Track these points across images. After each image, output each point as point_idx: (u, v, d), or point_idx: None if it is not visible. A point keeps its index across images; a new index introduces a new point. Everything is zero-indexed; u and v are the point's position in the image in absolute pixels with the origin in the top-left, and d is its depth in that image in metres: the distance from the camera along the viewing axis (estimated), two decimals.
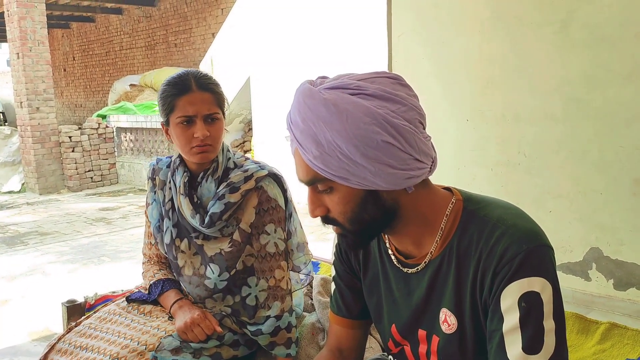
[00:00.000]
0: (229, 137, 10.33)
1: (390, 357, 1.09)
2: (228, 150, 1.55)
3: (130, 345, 1.36)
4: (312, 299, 1.73)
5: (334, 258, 1.15)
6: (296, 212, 1.56)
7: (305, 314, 1.67)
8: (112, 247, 5.15)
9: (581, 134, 2.78)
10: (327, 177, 0.88)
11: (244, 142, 10.27)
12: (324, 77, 0.94)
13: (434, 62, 3.34)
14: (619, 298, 2.76)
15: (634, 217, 2.66)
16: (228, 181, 1.48)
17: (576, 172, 2.82)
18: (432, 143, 0.91)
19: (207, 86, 1.46)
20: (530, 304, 0.83)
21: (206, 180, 1.49)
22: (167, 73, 11.15)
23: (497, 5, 3.02)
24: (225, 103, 1.51)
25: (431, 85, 3.36)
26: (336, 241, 1.13)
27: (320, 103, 0.86)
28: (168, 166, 1.59)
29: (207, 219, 1.45)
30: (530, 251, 0.84)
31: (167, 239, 1.53)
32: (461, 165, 3.29)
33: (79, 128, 9.24)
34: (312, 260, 1.60)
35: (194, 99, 1.43)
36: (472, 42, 3.16)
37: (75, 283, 4.08)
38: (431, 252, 0.94)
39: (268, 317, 1.46)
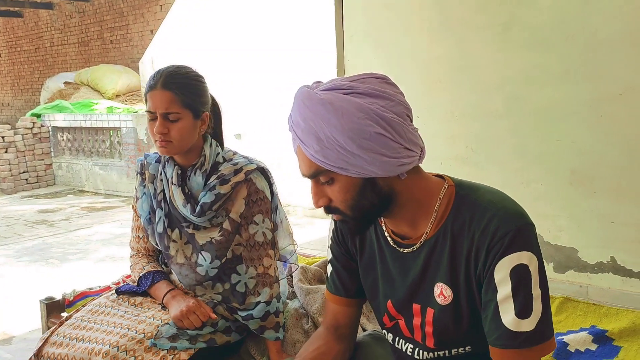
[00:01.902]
0: None
1: (384, 331, 1.20)
2: (217, 146, 1.62)
3: (128, 334, 1.42)
4: (292, 287, 1.83)
5: (330, 242, 1.25)
6: (281, 205, 1.65)
7: (287, 301, 1.76)
8: (59, 249, 5.03)
9: (522, 129, 3.00)
10: (328, 168, 0.98)
11: None
12: (319, 82, 1.05)
13: (385, 62, 3.49)
14: (559, 280, 2.99)
15: (571, 205, 2.90)
16: (219, 174, 1.55)
17: (518, 164, 3.03)
18: (419, 134, 1.03)
19: (169, 85, 1.50)
20: (520, 275, 0.96)
21: (194, 174, 1.57)
22: (104, 70, 10.87)
23: (444, 8, 3.19)
24: (199, 100, 1.55)
25: None
26: (332, 226, 1.24)
27: (318, 103, 0.97)
28: (157, 161, 1.65)
29: (198, 208, 1.52)
30: (519, 229, 0.98)
31: (159, 229, 1.59)
32: None
33: (12, 128, 8.87)
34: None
35: (154, 97, 1.50)
36: (420, 43, 3.32)
37: (26, 286, 3.99)
38: (426, 232, 1.06)
39: (258, 302, 1.55)
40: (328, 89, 1.00)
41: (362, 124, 0.96)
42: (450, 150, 3.29)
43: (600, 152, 2.79)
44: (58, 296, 1.93)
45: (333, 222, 1.24)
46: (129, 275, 2.17)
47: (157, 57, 9.16)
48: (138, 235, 1.70)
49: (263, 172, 1.60)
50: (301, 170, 1.04)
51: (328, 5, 5.30)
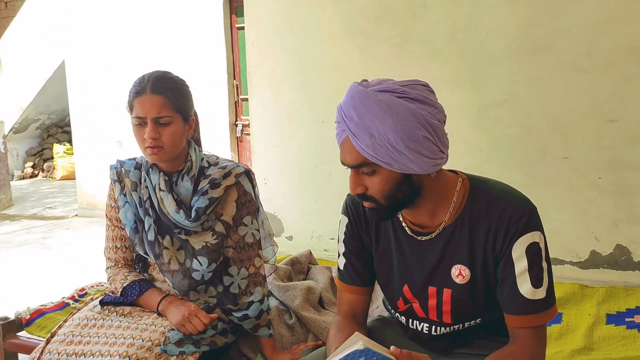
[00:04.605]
0: (22, 145, 9.37)
1: (397, 314, 1.33)
2: (200, 150, 1.63)
3: (135, 343, 1.40)
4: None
5: (344, 237, 1.35)
6: (262, 206, 1.70)
7: None
8: None
9: None
10: (375, 162, 1.10)
11: (42, 150, 9.42)
12: (365, 80, 1.16)
13: (289, 69, 3.63)
14: None
15: None
16: (209, 178, 1.57)
17: None
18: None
19: (160, 89, 1.50)
20: (533, 252, 1.15)
21: (182, 179, 1.57)
22: None
23: (346, 19, 3.41)
24: (188, 103, 1.56)
25: (287, 90, 3.64)
26: (346, 222, 1.34)
27: (375, 103, 1.08)
28: (135, 167, 1.62)
29: (193, 214, 1.53)
30: (530, 213, 1.16)
31: (150, 237, 1.56)
32: (318, 163, 3.63)
33: None
34: None
35: (144, 102, 1.49)
36: (323, 51, 3.51)
37: None
38: (445, 221, 1.21)
39: (251, 302, 1.59)
40: (383, 90, 1.09)
41: (413, 127, 1.07)
42: None
43: (487, 150, 3.18)
44: (10, 315, 1.80)
45: (345, 218, 1.34)
46: (83, 289, 2.08)
47: (6, 56, 8.38)
48: (116, 246, 1.65)
49: (247, 174, 1.65)
50: (345, 159, 1.14)
51: (217, 7, 5.28)
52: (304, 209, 3.69)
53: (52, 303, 1.94)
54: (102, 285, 2.09)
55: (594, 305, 1.92)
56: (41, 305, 1.91)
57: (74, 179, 6.99)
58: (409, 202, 1.19)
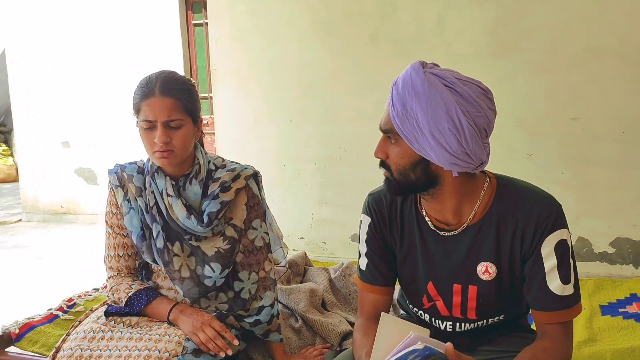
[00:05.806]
0: None
1: (420, 312, 1.33)
2: (206, 153, 1.57)
3: (152, 355, 1.33)
4: None
5: (366, 237, 1.34)
6: (268, 208, 1.66)
7: None
8: None
9: None
10: (399, 133, 1.13)
11: None
12: (434, 63, 1.17)
13: (254, 67, 3.58)
14: None
15: None
16: (219, 181, 1.52)
17: None
18: (489, 150, 1.17)
19: (170, 92, 1.44)
20: (562, 249, 1.17)
21: (190, 183, 1.51)
22: None
23: (314, 18, 3.40)
24: (197, 105, 1.51)
25: (252, 88, 3.59)
26: (369, 222, 1.33)
27: (419, 82, 1.10)
28: (138, 172, 1.54)
29: (205, 219, 1.47)
30: (558, 210, 1.19)
31: (159, 244, 1.49)
32: (286, 162, 3.60)
33: None
34: None
35: (154, 104, 1.42)
36: (291, 49, 3.48)
37: None
38: (470, 219, 1.22)
39: (262, 307, 1.55)
40: (435, 73, 1.12)
41: (441, 117, 1.09)
42: (323, 151, 3.51)
43: None
44: None
45: (367, 218, 1.33)
46: (71, 299, 1.97)
47: None
48: (118, 254, 1.56)
49: (255, 176, 1.61)
50: (381, 122, 1.18)
51: (172, 3, 5.14)
52: (272, 209, 3.64)
53: (40, 315, 1.82)
54: (91, 295, 1.99)
55: (585, 297, 1.99)
56: (28, 318, 1.79)
57: (12, 181, 6.66)
58: (421, 189, 1.20)
